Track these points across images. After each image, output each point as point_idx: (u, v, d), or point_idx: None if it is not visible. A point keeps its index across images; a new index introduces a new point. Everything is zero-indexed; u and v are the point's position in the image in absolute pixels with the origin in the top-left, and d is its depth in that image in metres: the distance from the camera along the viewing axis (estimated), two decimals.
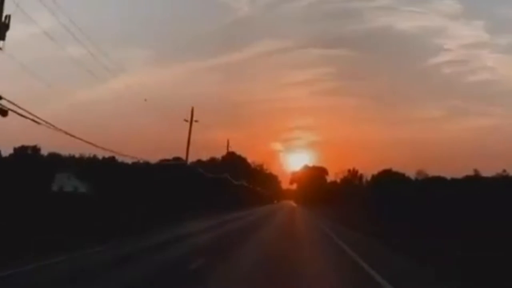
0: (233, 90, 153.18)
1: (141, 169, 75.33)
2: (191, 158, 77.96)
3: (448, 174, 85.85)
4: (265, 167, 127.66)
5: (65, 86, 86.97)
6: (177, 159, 65.25)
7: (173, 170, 57.12)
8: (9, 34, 13.27)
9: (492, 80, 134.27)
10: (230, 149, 56.18)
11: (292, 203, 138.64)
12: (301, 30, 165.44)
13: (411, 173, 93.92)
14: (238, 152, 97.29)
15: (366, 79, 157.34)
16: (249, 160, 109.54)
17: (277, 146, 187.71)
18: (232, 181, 59.50)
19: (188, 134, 42.53)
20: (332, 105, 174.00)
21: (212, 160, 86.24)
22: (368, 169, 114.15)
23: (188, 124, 43.54)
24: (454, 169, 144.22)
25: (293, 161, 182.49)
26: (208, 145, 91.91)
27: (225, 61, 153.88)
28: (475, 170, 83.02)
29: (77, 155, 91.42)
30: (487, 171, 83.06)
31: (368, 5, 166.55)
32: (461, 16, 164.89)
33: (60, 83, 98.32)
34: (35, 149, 75.90)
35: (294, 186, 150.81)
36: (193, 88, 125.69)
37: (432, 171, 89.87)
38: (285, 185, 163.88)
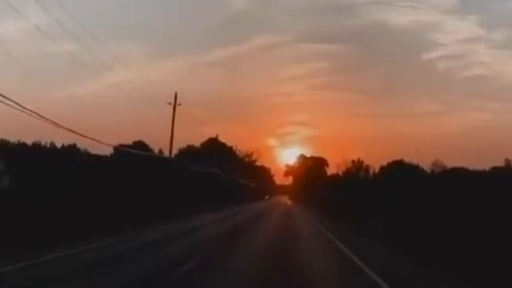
0: (227, 85, 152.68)
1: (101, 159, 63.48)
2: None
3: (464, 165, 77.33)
4: (255, 157, 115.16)
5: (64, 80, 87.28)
6: (138, 143, 53.18)
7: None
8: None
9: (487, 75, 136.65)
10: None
11: (286, 199, 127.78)
12: (296, 25, 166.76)
13: (423, 164, 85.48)
14: (224, 140, 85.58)
15: (361, 74, 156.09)
16: (236, 148, 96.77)
17: (272, 141, 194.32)
18: (193, 169, 46.70)
19: (172, 120, 41.48)
20: (328, 100, 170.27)
21: (190, 148, 74.01)
22: (371, 162, 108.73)
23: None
24: (462, 161, 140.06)
25: (289, 156, 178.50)
26: (200, 139, 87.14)
27: (219, 56, 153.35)
28: (506, 160, 72.31)
29: (29, 142, 79.45)
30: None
31: (363, 0, 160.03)
32: (456, 11, 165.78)
33: (58, 77, 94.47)
34: None
35: (289, 181, 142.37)
36: (186, 83, 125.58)
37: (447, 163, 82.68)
38: (279, 180, 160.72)
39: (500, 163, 77.99)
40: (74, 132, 27.32)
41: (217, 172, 54.26)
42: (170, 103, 41.62)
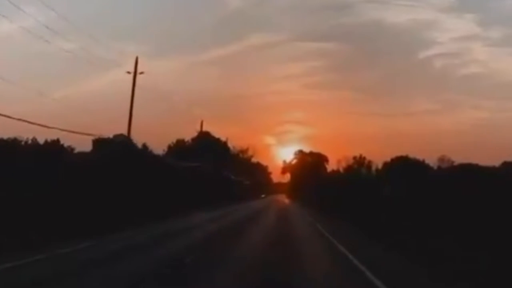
0: (223, 84, 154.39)
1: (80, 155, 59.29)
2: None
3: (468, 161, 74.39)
4: (251, 153, 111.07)
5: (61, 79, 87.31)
6: (119, 137, 48.78)
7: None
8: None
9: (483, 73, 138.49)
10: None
11: (284, 198, 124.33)
12: (292, 24, 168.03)
13: (428, 160, 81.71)
14: (215, 134, 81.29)
15: (358, 72, 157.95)
16: (230, 144, 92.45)
17: (269, 139, 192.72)
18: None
19: (132, 88, 36.73)
20: (324, 98, 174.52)
21: (179, 143, 69.69)
22: (372, 159, 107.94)
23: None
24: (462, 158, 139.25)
25: (286, 154, 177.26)
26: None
27: (215, 55, 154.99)
28: None
29: (6, 137, 75.14)
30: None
31: None
32: (453, 9, 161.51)
33: (55, 76, 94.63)
34: None
35: (286, 178, 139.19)
36: (183, 83, 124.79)
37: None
38: (276, 178, 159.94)
39: (509, 158, 74.43)
40: (47, 127, 26.74)
41: (199, 166, 49.67)
42: (129, 72, 36.52)
